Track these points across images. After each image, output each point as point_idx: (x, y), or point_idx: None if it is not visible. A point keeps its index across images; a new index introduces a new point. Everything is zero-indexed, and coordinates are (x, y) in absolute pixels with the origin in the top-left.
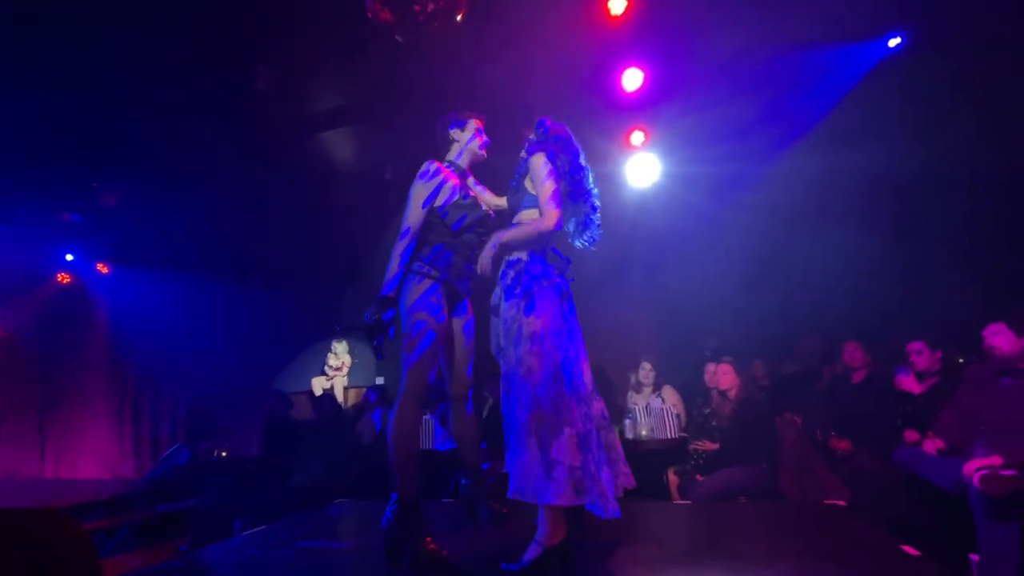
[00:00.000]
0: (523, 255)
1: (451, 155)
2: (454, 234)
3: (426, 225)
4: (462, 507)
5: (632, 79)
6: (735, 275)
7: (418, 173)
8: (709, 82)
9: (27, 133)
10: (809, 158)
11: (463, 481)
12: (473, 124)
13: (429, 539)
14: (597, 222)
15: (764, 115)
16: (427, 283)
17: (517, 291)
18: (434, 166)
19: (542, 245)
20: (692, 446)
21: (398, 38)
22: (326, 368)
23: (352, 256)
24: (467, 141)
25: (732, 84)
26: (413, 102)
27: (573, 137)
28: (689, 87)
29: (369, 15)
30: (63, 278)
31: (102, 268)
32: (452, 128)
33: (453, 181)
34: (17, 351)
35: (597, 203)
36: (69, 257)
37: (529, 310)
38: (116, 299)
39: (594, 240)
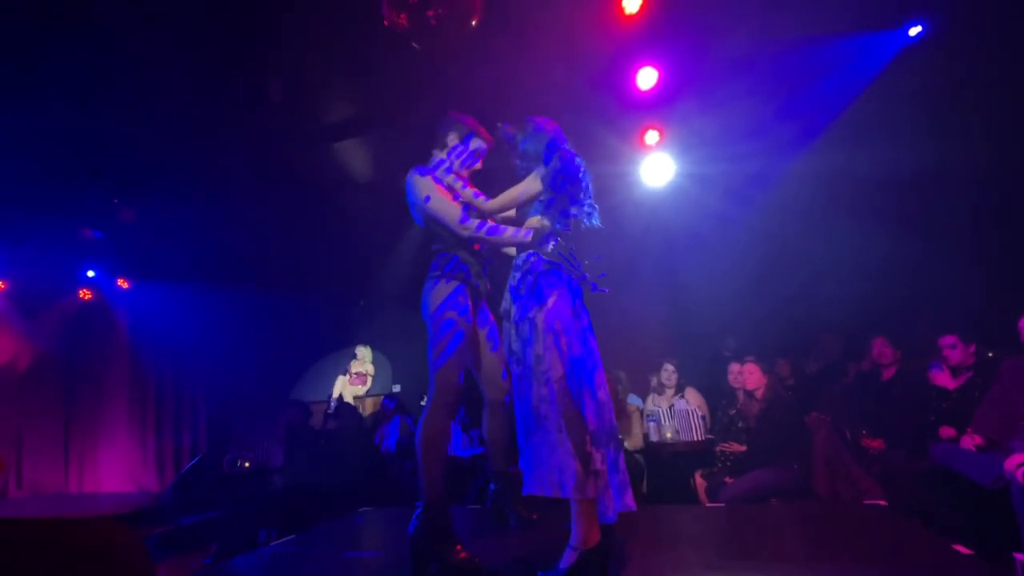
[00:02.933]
0: (526, 255)
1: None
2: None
3: (432, 237)
4: (491, 513)
5: (646, 78)
6: (751, 274)
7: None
8: (724, 80)
9: (47, 150)
10: (826, 154)
11: (492, 486)
12: (464, 128)
13: (459, 546)
14: (586, 202)
15: (780, 112)
16: (452, 285)
17: (523, 291)
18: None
19: (545, 243)
20: (719, 448)
21: (414, 44)
22: (349, 372)
23: (367, 265)
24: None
25: (748, 82)
26: (426, 110)
27: (550, 128)
28: (704, 85)
29: (386, 23)
30: (85, 294)
31: (122, 283)
32: (445, 133)
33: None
34: (41, 366)
35: (585, 183)
36: (91, 273)
37: (540, 308)
38: (137, 313)
39: (590, 216)
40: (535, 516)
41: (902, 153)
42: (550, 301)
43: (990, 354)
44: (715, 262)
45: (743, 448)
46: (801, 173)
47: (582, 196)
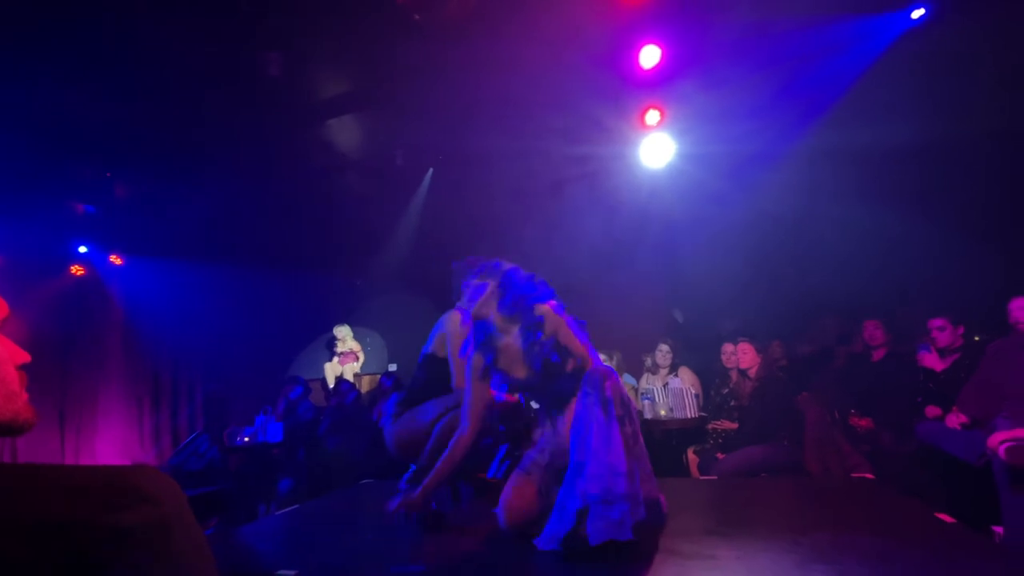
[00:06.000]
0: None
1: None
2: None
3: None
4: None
5: (649, 56)
6: (750, 257)
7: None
8: (727, 59)
9: (37, 123)
10: (826, 135)
11: None
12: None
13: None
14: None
15: (782, 92)
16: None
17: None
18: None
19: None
20: (711, 426)
21: (416, 17)
22: (336, 353)
23: (364, 244)
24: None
25: (751, 61)
26: (425, 85)
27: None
28: (707, 64)
29: None
30: (77, 270)
31: (115, 260)
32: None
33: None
34: (34, 343)
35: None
36: (83, 249)
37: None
38: (131, 290)
39: None
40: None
41: (906, 133)
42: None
43: (976, 338)
44: (713, 244)
45: (735, 426)
46: (800, 155)
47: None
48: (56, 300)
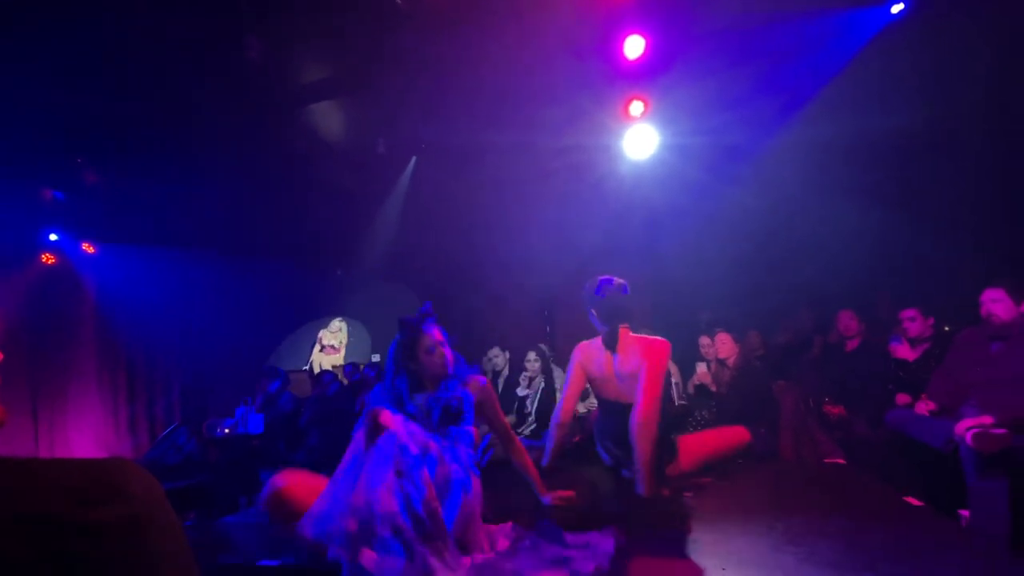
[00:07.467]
0: None
1: None
2: None
3: None
4: None
5: (633, 47)
6: (730, 249)
7: None
8: (712, 50)
9: (4, 106)
10: (808, 129)
11: None
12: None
13: None
14: None
15: (766, 85)
16: None
17: None
18: None
19: None
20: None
21: (399, 2)
22: (321, 343)
23: (344, 234)
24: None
25: (735, 52)
26: (408, 73)
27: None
28: (691, 55)
29: None
30: (47, 258)
31: (88, 248)
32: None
33: None
34: (5, 334)
35: None
36: (53, 237)
37: None
38: (104, 278)
39: None
40: None
41: (886, 128)
42: None
43: (946, 328)
44: (695, 234)
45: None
46: (783, 148)
47: None
48: (26, 289)
